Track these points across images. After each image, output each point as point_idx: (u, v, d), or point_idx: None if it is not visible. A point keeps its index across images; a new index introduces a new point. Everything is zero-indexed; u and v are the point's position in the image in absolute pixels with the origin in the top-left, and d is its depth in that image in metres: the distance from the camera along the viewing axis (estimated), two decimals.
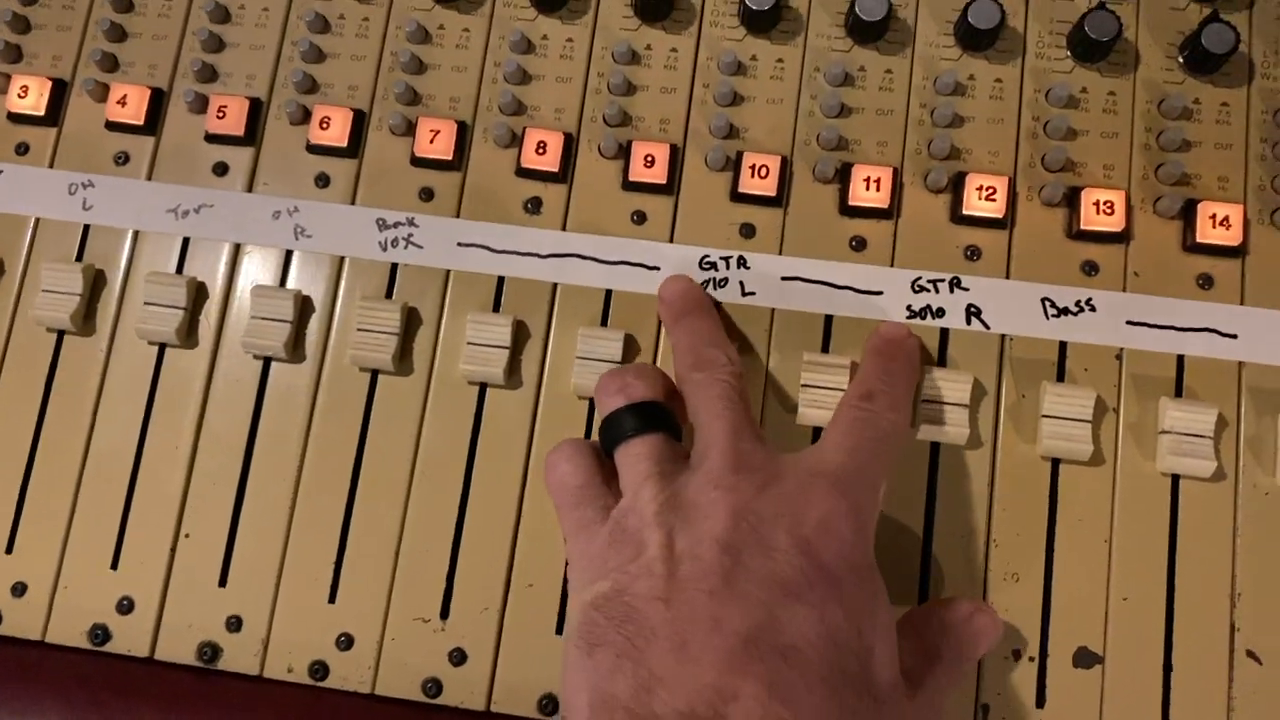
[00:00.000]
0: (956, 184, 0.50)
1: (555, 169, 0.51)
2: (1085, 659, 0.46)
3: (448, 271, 0.51)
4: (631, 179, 0.51)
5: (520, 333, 0.50)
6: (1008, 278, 0.49)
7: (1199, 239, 0.49)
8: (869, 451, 0.43)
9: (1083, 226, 0.49)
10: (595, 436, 0.47)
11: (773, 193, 0.50)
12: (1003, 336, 0.49)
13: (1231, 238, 0.49)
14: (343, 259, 0.51)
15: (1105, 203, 0.49)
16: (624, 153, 0.51)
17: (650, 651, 0.36)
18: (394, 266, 0.51)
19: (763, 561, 0.37)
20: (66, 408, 0.51)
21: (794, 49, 0.52)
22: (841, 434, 0.43)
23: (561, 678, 0.39)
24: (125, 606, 0.49)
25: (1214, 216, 0.49)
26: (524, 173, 0.52)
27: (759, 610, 0.36)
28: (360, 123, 0.53)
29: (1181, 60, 0.51)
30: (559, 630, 0.48)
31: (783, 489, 0.40)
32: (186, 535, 0.49)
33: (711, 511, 0.39)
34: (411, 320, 0.50)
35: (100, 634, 0.49)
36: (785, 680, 0.35)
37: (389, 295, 0.51)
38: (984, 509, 0.47)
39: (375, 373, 0.50)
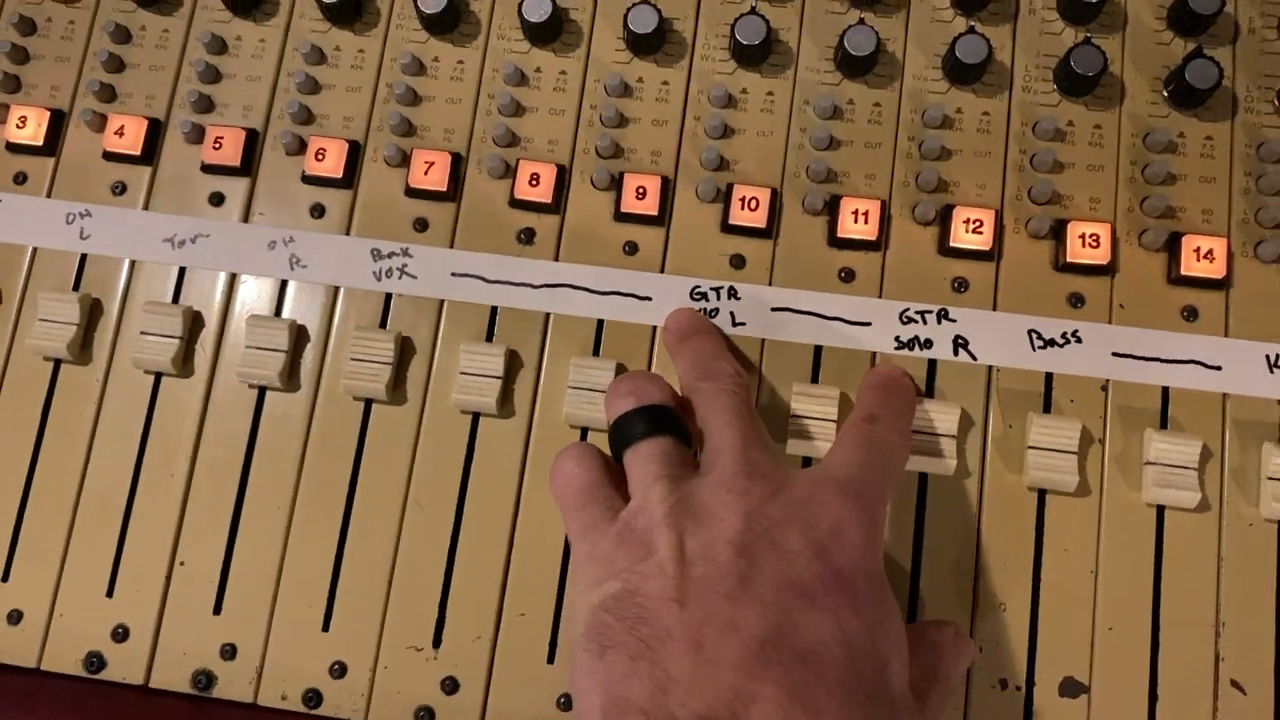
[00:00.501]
0: (944, 216, 0.51)
1: (548, 200, 0.52)
2: (1071, 688, 0.47)
3: (441, 301, 0.51)
4: (624, 210, 0.51)
5: (513, 362, 0.51)
6: (995, 309, 0.50)
7: (1183, 272, 0.49)
8: (876, 466, 0.43)
9: (1069, 259, 0.50)
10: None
11: (763, 224, 0.51)
12: (990, 368, 0.49)
13: (1215, 270, 0.49)
14: (337, 289, 0.52)
15: (1091, 235, 0.49)
16: (616, 184, 0.52)
17: (665, 653, 0.35)
18: (388, 296, 0.52)
19: (777, 564, 0.37)
20: (63, 436, 0.51)
21: (784, 82, 0.53)
22: (848, 450, 0.44)
23: (570, 681, 0.38)
24: (120, 634, 0.49)
25: (1198, 250, 0.49)
26: (517, 204, 0.52)
27: (775, 613, 0.36)
28: (355, 154, 0.53)
29: (1166, 94, 0.52)
30: (551, 659, 0.48)
31: (794, 495, 0.40)
32: (182, 563, 0.50)
33: (724, 514, 0.38)
34: (405, 350, 0.51)
35: (95, 662, 0.49)
36: (804, 684, 0.34)
37: (383, 325, 0.51)
38: (971, 539, 0.48)
39: (369, 402, 0.51)
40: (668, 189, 0.52)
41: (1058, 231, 0.50)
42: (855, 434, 0.45)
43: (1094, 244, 0.49)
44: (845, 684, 0.35)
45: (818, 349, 0.50)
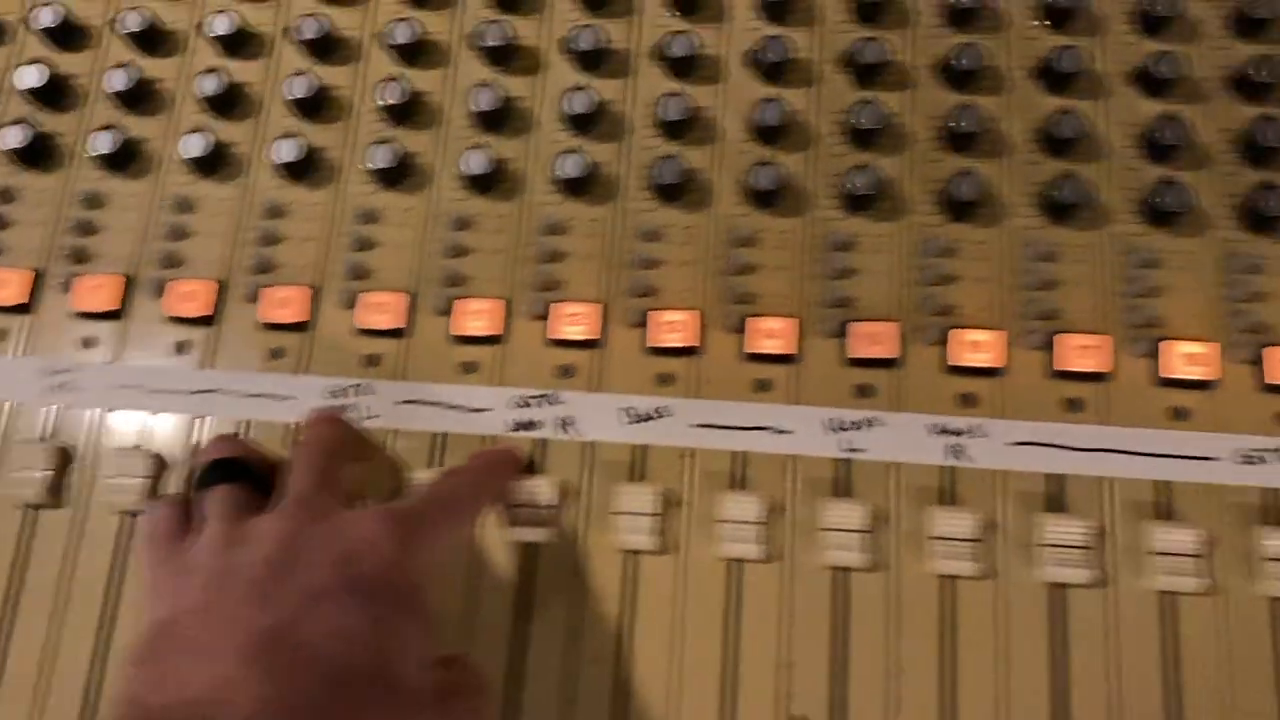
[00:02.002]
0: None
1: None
2: None
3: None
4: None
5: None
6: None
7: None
8: (435, 502, 0.48)
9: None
10: None
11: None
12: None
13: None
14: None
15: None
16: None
17: (177, 656, 0.39)
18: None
19: (300, 573, 0.41)
20: None
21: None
22: (414, 492, 0.51)
23: None
24: None
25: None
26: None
27: (284, 613, 0.39)
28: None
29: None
30: None
31: (340, 522, 0.43)
32: None
33: (266, 539, 0.42)
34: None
35: None
36: (287, 667, 0.38)
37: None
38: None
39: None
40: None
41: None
42: (428, 483, 0.50)
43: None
44: (333, 669, 0.38)
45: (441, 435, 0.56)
